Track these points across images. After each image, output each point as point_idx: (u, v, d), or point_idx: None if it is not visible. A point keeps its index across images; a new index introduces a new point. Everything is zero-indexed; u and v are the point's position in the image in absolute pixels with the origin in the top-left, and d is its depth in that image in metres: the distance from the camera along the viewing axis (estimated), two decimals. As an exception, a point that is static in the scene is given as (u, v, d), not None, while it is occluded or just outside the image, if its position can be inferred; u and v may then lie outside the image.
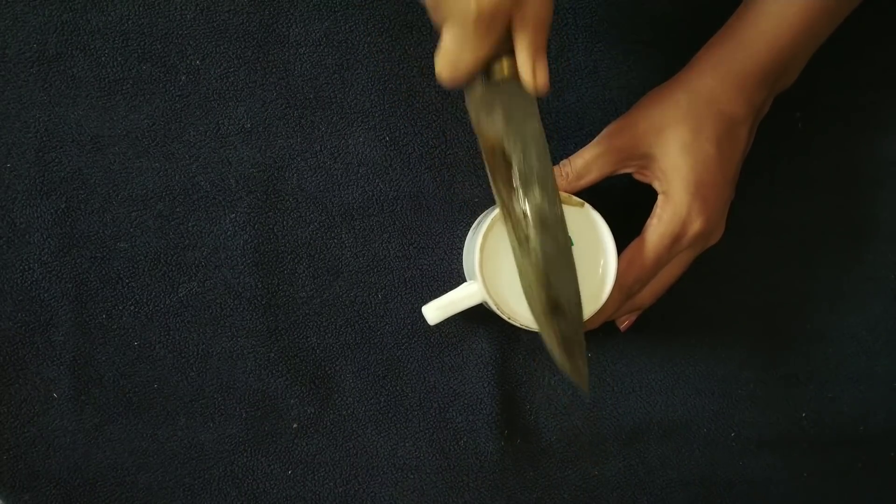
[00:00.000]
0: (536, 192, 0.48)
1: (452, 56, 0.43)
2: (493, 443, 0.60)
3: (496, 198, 0.49)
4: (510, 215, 0.49)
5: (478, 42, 0.43)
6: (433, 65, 0.57)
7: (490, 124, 0.47)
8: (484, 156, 0.48)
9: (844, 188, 0.61)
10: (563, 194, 0.50)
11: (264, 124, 0.59)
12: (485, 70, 0.46)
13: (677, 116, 0.50)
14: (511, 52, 0.45)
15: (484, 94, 0.46)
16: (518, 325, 0.51)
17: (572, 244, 0.51)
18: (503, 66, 0.45)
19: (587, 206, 0.51)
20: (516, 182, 0.48)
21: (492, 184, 0.48)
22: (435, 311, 0.53)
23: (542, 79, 0.45)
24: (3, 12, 0.57)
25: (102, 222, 0.58)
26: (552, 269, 0.49)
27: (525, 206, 0.48)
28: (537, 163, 0.48)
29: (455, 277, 0.60)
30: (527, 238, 0.48)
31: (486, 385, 0.60)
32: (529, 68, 0.45)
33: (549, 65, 0.58)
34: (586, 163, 0.52)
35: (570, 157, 0.52)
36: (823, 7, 0.49)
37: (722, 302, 0.61)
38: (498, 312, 0.51)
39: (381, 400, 0.60)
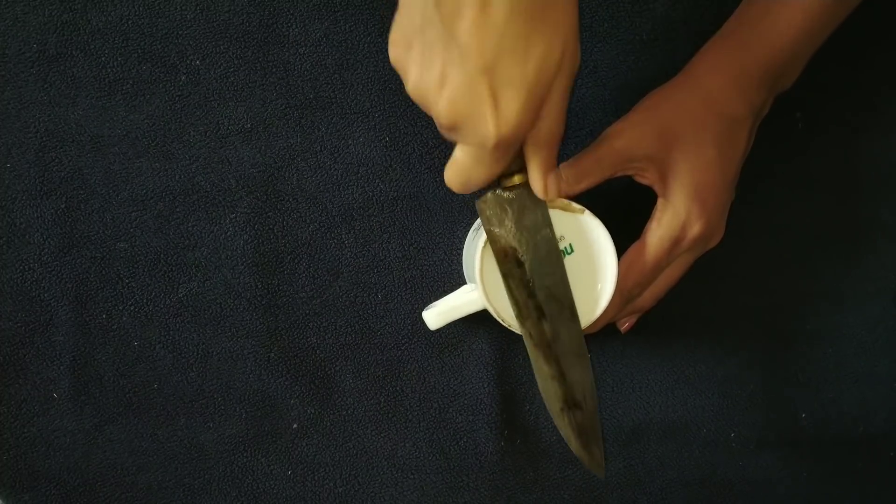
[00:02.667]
0: (550, 295, 0.49)
1: (466, 172, 0.44)
2: (493, 443, 0.60)
3: (510, 300, 0.49)
4: (526, 315, 0.49)
5: (493, 163, 0.43)
6: None
7: (502, 230, 0.48)
8: (496, 260, 0.48)
9: (844, 188, 0.61)
10: (563, 201, 0.50)
11: (264, 124, 0.59)
12: (496, 179, 0.46)
13: (676, 118, 0.50)
14: (522, 167, 0.45)
15: (495, 201, 0.47)
16: (519, 333, 0.51)
17: (572, 252, 0.51)
18: (514, 178, 0.46)
19: (587, 212, 0.51)
20: (530, 283, 0.49)
21: (505, 287, 0.49)
22: (436, 316, 0.53)
23: (554, 190, 0.46)
24: (3, 12, 0.57)
25: (102, 222, 0.58)
26: (568, 366, 0.50)
27: (540, 305, 0.49)
28: (550, 267, 0.48)
29: (455, 278, 0.60)
30: (543, 337, 0.49)
31: (486, 385, 0.60)
32: (541, 184, 0.45)
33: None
34: (586, 166, 0.51)
35: (570, 161, 0.52)
36: (823, 8, 0.49)
37: (722, 303, 0.61)
38: (499, 320, 0.51)
39: (381, 400, 0.60)
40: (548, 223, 0.48)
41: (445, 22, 0.38)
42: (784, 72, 0.51)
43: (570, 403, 0.50)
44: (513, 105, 0.40)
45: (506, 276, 0.48)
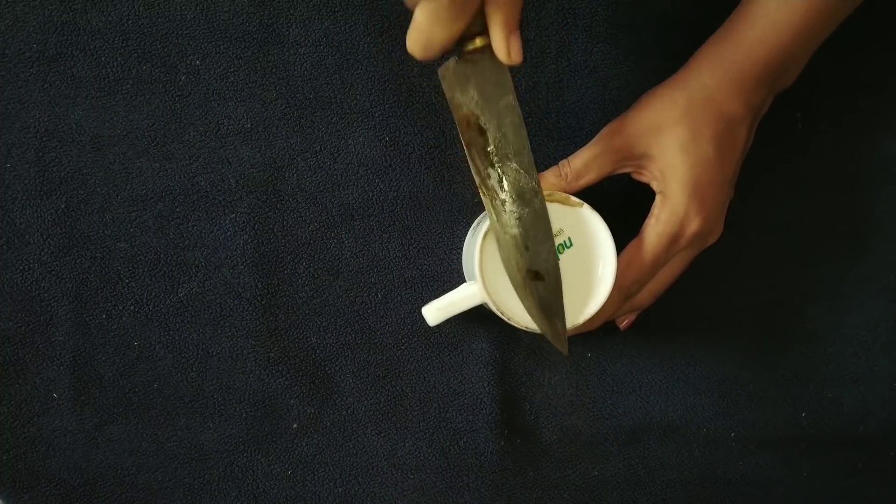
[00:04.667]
0: (512, 163, 0.48)
1: (425, 33, 0.43)
2: (493, 443, 0.60)
3: (472, 170, 0.49)
4: (487, 187, 0.49)
5: (452, 19, 0.42)
6: (433, 64, 0.57)
7: (464, 98, 0.47)
8: (459, 129, 0.48)
9: (844, 188, 0.61)
10: (563, 195, 0.51)
11: (264, 124, 0.59)
12: (458, 44, 0.45)
13: (675, 116, 0.50)
14: (484, 29, 0.45)
15: (457, 68, 0.47)
16: (518, 327, 0.51)
17: (570, 246, 0.51)
18: (476, 41, 0.45)
19: (586, 206, 0.51)
20: (492, 153, 0.48)
21: (468, 156, 0.48)
22: (435, 311, 0.53)
23: (516, 52, 0.45)
24: (3, 12, 0.57)
25: (102, 222, 0.58)
26: (530, 237, 0.49)
27: (501, 175, 0.49)
28: (512, 135, 0.48)
29: (455, 277, 0.60)
30: (503, 207, 0.49)
31: (486, 385, 0.60)
32: (504, 44, 0.44)
33: (549, 65, 0.59)
34: (585, 163, 0.52)
35: (569, 158, 0.52)
36: (823, 7, 0.49)
37: (722, 302, 0.61)
38: (498, 314, 0.51)
39: (381, 400, 0.60)
40: (510, 90, 0.47)
41: None
42: (784, 71, 0.51)
43: (533, 275, 0.49)
44: None
45: (468, 146, 0.48)
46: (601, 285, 0.51)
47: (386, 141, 0.59)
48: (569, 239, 0.51)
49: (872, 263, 0.62)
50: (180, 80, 0.58)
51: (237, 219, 0.59)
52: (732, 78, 0.50)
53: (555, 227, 0.51)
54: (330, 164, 0.59)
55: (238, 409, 0.59)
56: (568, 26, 0.59)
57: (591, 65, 0.59)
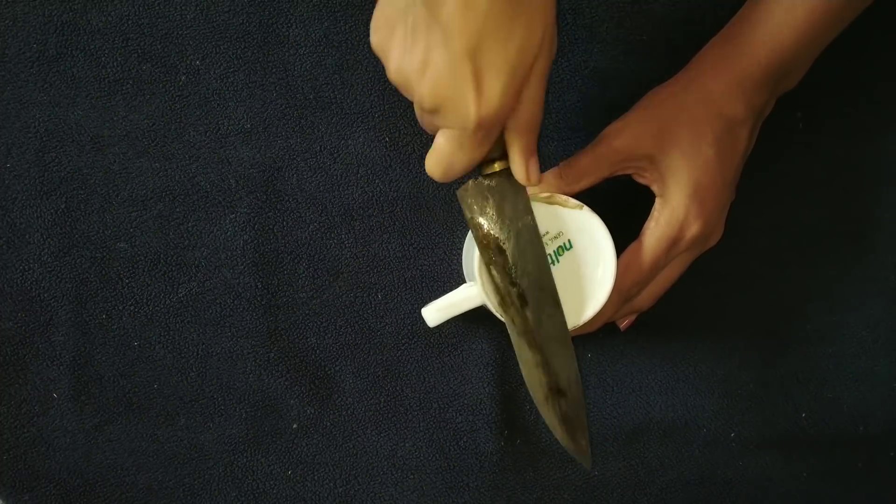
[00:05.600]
0: (533, 281, 0.48)
1: (447, 159, 0.43)
2: (493, 443, 0.60)
3: (492, 289, 0.49)
4: (507, 304, 0.49)
5: (475, 147, 0.43)
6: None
7: (483, 219, 0.47)
8: (478, 248, 0.48)
9: (844, 188, 0.61)
10: (562, 197, 0.50)
11: (264, 124, 0.59)
12: (477, 167, 0.46)
13: (676, 118, 0.50)
14: (503, 154, 0.45)
15: (475, 189, 0.47)
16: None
17: (570, 248, 0.51)
18: (495, 165, 0.46)
19: (586, 208, 0.51)
20: (512, 272, 0.48)
21: (486, 275, 0.48)
22: (434, 312, 0.53)
23: (535, 175, 0.45)
24: (3, 12, 0.57)
25: (102, 222, 0.58)
26: (552, 354, 0.49)
27: (523, 292, 0.49)
28: (532, 254, 0.48)
29: (455, 278, 0.60)
30: (526, 325, 0.49)
31: (486, 385, 0.60)
32: (523, 168, 0.45)
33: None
34: (585, 164, 0.52)
35: (569, 159, 0.52)
36: (827, 11, 0.49)
37: (722, 302, 0.61)
38: (498, 315, 0.51)
39: (381, 400, 0.60)
40: (529, 211, 0.47)
41: (429, 5, 0.38)
42: (786, 74, 0.51)
43: (555, 391, 0.49)
44: (495, 87, 0.40)
45: (488, 265, 0.48)
46: (601, 287, 0.51)
47: (386, 141, 0.59)
48: (568, 241, 0.51)
49: (872, 263, 0.62)
50: (180, 80, 0.58)
51: (237, 219, 0.59)
52: (734, 80, 0.50)
53: (554, 229, 0.51)
54: (330, 164, 0.59)
55: (238, 409, 0.60)
56: (568, 26, 0.59)
57: (591, 65, 0.59)
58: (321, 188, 0.59)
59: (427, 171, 0.45)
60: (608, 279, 0.51)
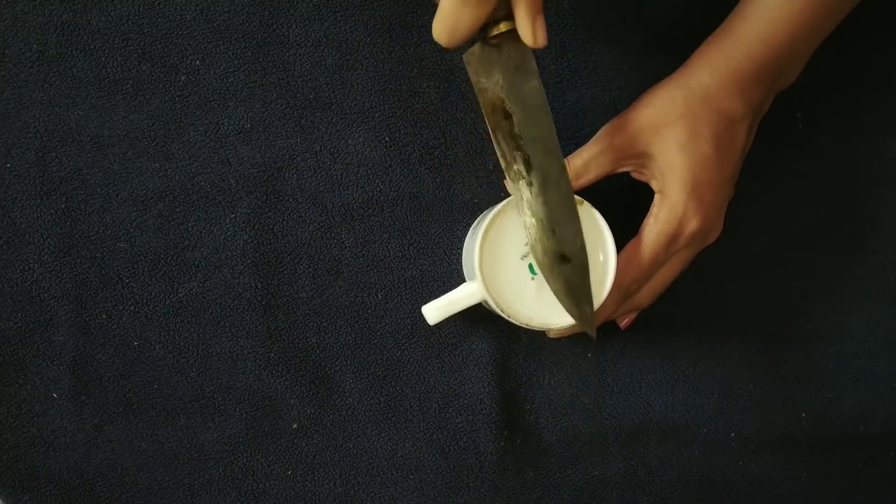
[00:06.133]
0: (538, 145, 0.48)
1: (451, 18, 0.43)
2: (493, 443, 0.60)
3: (498, 154, 0.49)
4: (513, 170, 0.49)
5: (477, 3, 0.43)
6: (433, 65, 0.57)
7: (489, 83, 0.47)
8: (484, 113, 0.48)
9: (844, 188, 0.61)
10: None
11: (264, 124, 0.59)
12: (482, 30, 0.46)
13: (674, 115, 0.50)
14: (508, 13, 0.45)
15: (482, 53, 0.47)
16: (518, 324, 0.51)
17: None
18: (501, 26, 0.45)
19: (587, 204, 0.51)
20: (518, 137, 0.48)
21: (493, 140, 0.48)
22: (435, 310, 0.53)
23: (542, 34, 0.45)
24: (3, 12, 0.57)
25: (102, 222, 0.58)
26: (556, 220, 0.49)
27: (527, 159, 0.49)
28: (538, 118, 0.48)
29: (455, 277, 0.60)
30: (530, 190, 0.49)
31: (486, 385, 0.60)
32: (529, 27, 0.45)
33: (549, 65, 0.59)
34: (585, 162, 0.52)
35: (569, 157, 0.52)
36: (822, 5, 0.49)
37: (722, 302, 0.61)
38: (498, 311, 0.51)
39: (381, 400, 0.60)
40: (535, 74, 0.47)
41: None
42: (783, 70, 0.51)
43: (560, 258, 0.49)
44: None
45: (494, 130, 0.48)
46: (601, 284, 0.51)
47: (386, 141, 0.59)
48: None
49: (872, 263, 0.62)
50: (180, 80, 0.58)
51: (237, 219, 0.59)
52: (732, 76, 0.50)
53: None
54: (330, 164, 0.59)
55: (238, 409, 0.59)
56: (568, 26, 0.59)
57: (591, 65, 0.59)
58: (321, 188, 0.59)
59: (434, 36, 0.44)
60: (608, 275, 0.51)
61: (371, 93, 0.59)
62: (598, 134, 0.52)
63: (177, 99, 0.58)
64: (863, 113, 0.61)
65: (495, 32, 0.46)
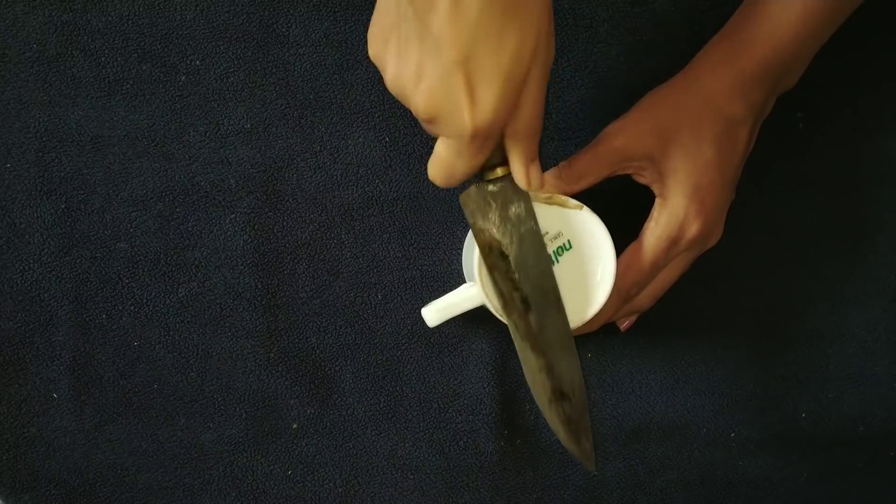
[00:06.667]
0: (535, 287, 0.48)
1: (447, 165, 0.43)
2: (493, 443, 0.60)
3: (495, 293, 0.48)
4: (510, 309, 0.49)
5: (473, 154, 0.43)
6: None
7: (486, 224, 0.47)
8: (481, 253, 0.48)
9: (845, 188, 0.61)
10: (562, 197, 0.50)
11: (264, 124, 0.59)
12: (479, 172, 0.46)
13: (676, 117, 0.50)
14: (504, 160, 0.45)
15: (478, 194, 0.47)
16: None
17: (570, 248, 0.51)
18: (497, 171, 0.46)
19: (585, 208, 0.51)
20: (515, 276, 0.48)
21: (490, 279, 0.48)
22: (434, 313, 0.53)
23: (536, 180, 0.45)
24: (3, 12, 0.57)
25: (102, 222, 0.58)
26: (555, 359, 0.49)
27: (526, 297, 0.49)
28: (534, 261, 0.48)
29: (455, 278, 0.60)
30: (529, 329, 0.49)
31: (486, 385, 0.60)
32: (524, 173, 0.45)
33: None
34: (585, 164, 0.52)
35: (569, 159, 0.52)
36: (824, 7, 0.49)
37: (722, 302, 0.61)
38: (497, 315, 0.51)
39: (381, 400, 0.60)
40: (531, 215, 0.47)
41: (419, 16, 0.38)
42: (785, 72, 0.51)
43: (558, 395, 0.49)
44: (489, 96, 0.40)
45: (491, 269, 0.48)
46: (600, 288, 0.51)
47: (386, 141, 0.59)
48: (568, 241, 0.51)
49: (873, 264, 0.62)
50: (180, 80, 0.58)
51: (237, 219, 0.59)
52: (734, 79, 0.50)
53: (554, 229, 0.51)
54: (330, 164, 0.59)
55: (238, 409, 0.60)
56: (568, 26, 0.59)
57: (591, 65, 0.59)
58: (321, 188, 0.59)
59: (430, 177, 0.45)
60: (608, 279, 0.51)
61: (371, 93, 0.59)
62: (599, 136, 0.52)
63: (177, 99, 0.58)
64: (863, 113, 0.61)
65: (491, 177, 0.46)
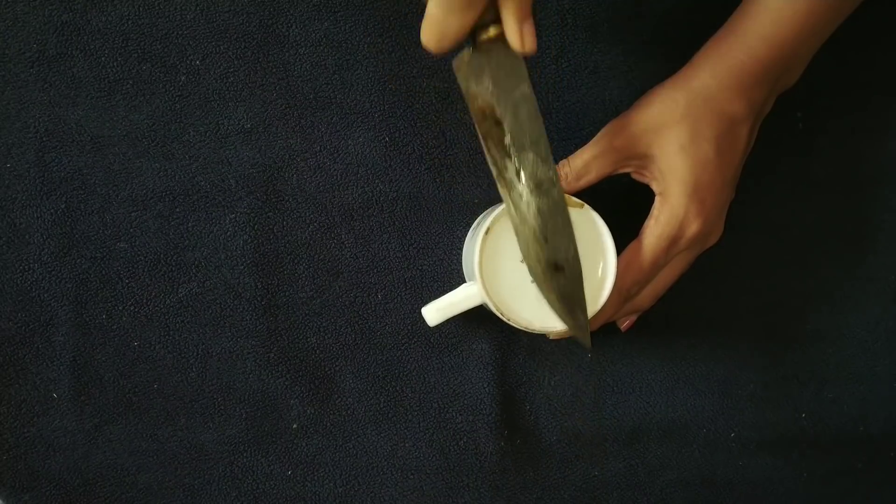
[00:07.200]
0: (529, 153, 0.48)
1: (438, 24, 0.43)
2: (493, 443, 0.60)
3: (489, 161, 0.48)
4: (504, 178, 0.48)
5: (465, 9, 0.42)
6: (433, 64, 0.57)
7: (479, 89, 0.46)
8: (475, 120, 0.47)
9: (845, 188, 0.61)
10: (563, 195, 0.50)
11: (264, 124, 0.59)
12: (471, 35, 0.45)
13: (676, 116, 0.50)
14: (497, 18, 0.44)
15: (471, 59, 0.46)
16: (518, 327, 0.51)
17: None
18: (489, 31, 0.45)
19: (586, 206, 0.51)
20: (508, 144, 0.48)
21: (484, 148, 0.48)
22: (434, 312, 0.53)
23: (530, 40, 0.44)
24: (3, 12, 0.57)
25: (102, 222, 0.58)
26: (549, 228, 0.49)
27: (518, 166, 0.48)
28: (529, 124, 0.47)
29: (455, 278, 0.60)
30: (522, 199, 0.48)
31: (486, 385, 0.60)
32: (517, 32, 0.44)
33: (549, 65, 0.59)
34: (585, 163, 0.52)
35: (569, 158, 0.52)
36: (824, 5, 0.49)
37: (722, 302, 0.61)
38: (497, 314, 0.51)
39: (381, 400, 0.60)
40: (525, 79, 0.47)
41: None
42: (785, 70, 0.51)
43: (552, 267, 0.49)
44: None
45: (484, 137, 0.47)
46: (601, 286, 0.51)
47: (386, 141, 0.59)
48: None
49: (873, 264, 0.62)
50: (180, 80, 0.58)
51: (237, 219, 0.59)
52: (734, 77, 0.50)
53: None
54: (330, 164, 0.59)
55: (238, 409, 0.59)
56: (568, 26, 0.59)
57: (591, 65, 0.59)
58: (321, 188, 0.59)
59: (422, 42, 0.44)
60: (608, 278, 0.51)
61: (371, 93, 0.59)
62: (599, 135, 0.52)
63: (177, 99, 0.58)
64: (863, 113, 0.61)
65: (484, 37, 0.45)
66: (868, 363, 0.62)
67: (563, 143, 0.59)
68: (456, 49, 0.45)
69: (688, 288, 0.57)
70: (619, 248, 0.51)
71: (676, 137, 0.50)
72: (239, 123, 0.59)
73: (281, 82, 0.59)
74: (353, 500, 0.60)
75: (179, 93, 0.58)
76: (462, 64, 0.47)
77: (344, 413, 0.60)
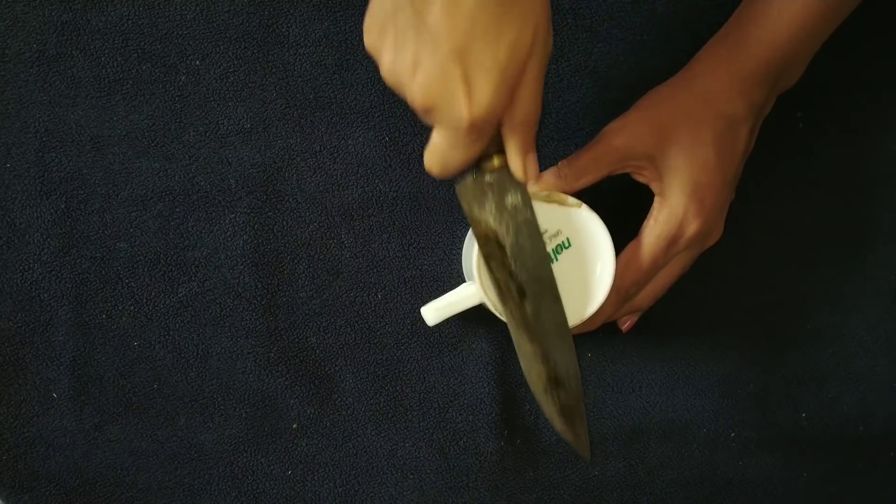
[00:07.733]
0: (531, 276, 0.48)
1: (443, 155, 0.43)
2: (493, 443, 0.60)
3: (491, 281, 0.48)
4: (505, 298, 0.49)
5: (469, 145, 0.43)
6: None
7: (482, 214, 0.47)
8: (478, 242, 0.48)
9: (845, 188, 0.61)
10: (561, 195, 0.50)
11: (264, 124, 0.59)
12: (475, 162, 0.46)
13: (675, 117, 0.50)
14: (500, 148, 0.45)
15: (475, 184, 0.47)
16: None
17: (569, 246, 0.51)
18: (494, 161, 0.45)
19: (585, 206, 0.51)
20: (511, 267, 0.48)
21: (487, 269, 0.48)
22: (434, 312, 0.53)
23: (533, 170, 0.45)
24: (3, 12, 0.57)
25: (102, 222, 0.58)
26: (550, 347, 0.49)
27: (521, 287, 0.48)
28: (531, 250, 0.48)
29: (455, 277, 0.60)
30: (524, 316, 0.49)
31: (486, 385, 0.60)
32: (521, 164, 0.45)
33: (549, 65, 0.59)
34: (585, 163, 0.52)
35: (569, 158, 0.52)
36: (823, 6, 0.49)
37: (722, 302, 0.61)
38: (496, 314, 0.51)
39: (381, 400, 0.60)
40: (528, 205, 0.47)
41: (416, 7, 0.39)
42: (785, 70, 0.51)
43: (554, 383, 0.49)
44: (485, 88, 0.40)
45: (487, 259, 0.48)
46: (599, 286, 0.51)
47: (386, 141, 0.59)
48: (567, 239, 0.51)
49: (873, 264, 0.62)
50: (180, 80, 0.58)
51: (237, 219, 0.59)
52: (734, 77, 0.50)
53: (553, 227, 0.51)
54: (330, 164, 0.59)
55: (238, 409, 0.60)
56: (568, 26, 0.59)
57: (591, 65, 0.59)
58: (321, 188, 0.59)
59: (426, 167, 0.45)
60: (607, 277, 0.51)
61: (371, 93, 0.59)
62: (599, 135, 0.52)
63: (177, 99, 0.58)
64: (863, 113, 0.61)
65: (488, 167, 0.46)
66: (868, 363, 0.62)
67: (563, 143, 0.59)
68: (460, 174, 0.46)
69: (688, 288, 0.57)
70: (618, 249, 0.51)
71: (676, 138, 0.50)
72: (239, 123, 0.59)
73: (281, 82, 0.59)
74: (352, 500, 0.60)
75: (179, 93, 0.58)
76: (465, 189, 0.47)
77: (344, 413, 0.60)
